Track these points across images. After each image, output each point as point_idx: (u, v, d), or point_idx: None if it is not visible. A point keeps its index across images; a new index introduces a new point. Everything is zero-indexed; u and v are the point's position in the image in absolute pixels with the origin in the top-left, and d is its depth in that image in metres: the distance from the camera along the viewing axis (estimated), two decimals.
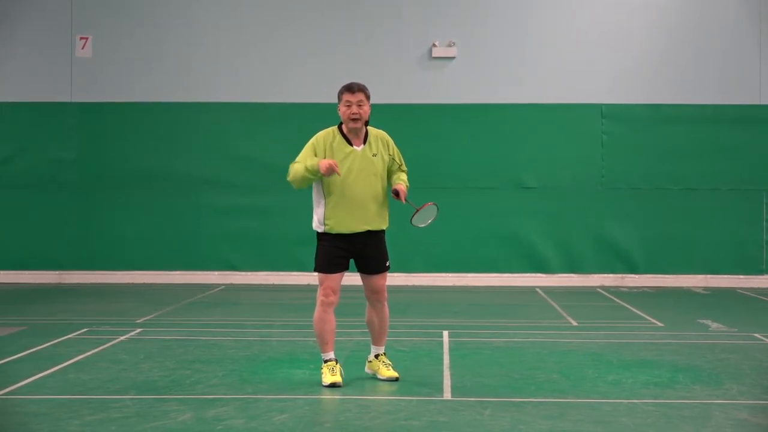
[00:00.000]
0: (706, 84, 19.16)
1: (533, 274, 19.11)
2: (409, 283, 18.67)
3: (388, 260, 9.13)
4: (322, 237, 8.93)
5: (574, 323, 13.52)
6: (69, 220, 19.27)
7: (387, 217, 9.09)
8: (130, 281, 19.06)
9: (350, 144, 8.95)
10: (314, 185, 9.00)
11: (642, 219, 19.13)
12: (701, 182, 19.10)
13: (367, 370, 9.33)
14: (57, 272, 19.25)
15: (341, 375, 8.88)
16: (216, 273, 19.21)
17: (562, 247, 19.15)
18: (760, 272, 19.04)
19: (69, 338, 11.54)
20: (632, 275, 19.10)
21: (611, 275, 19.11)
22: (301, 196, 18.96)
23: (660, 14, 19.24)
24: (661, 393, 8.60)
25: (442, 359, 10.25)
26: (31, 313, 14.22)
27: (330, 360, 8.89)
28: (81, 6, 19.37)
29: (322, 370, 8.90)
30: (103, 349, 10.82)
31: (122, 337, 11.66)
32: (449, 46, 19.25)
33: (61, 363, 9.86)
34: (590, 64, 19.22)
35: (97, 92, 19.36)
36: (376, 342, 9.24)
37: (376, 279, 9.02)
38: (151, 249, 19.26)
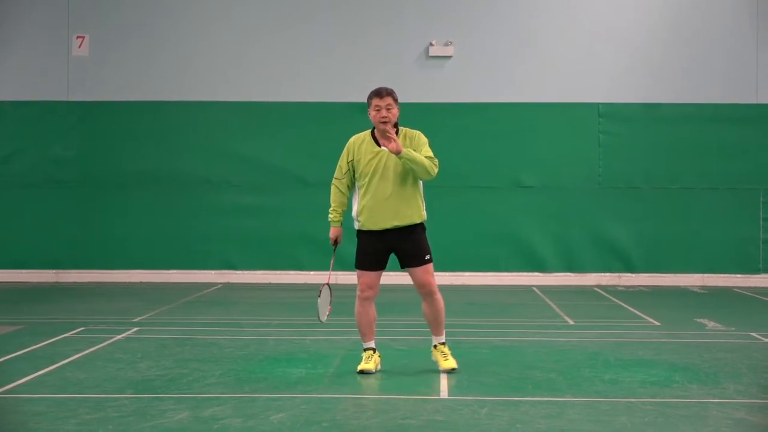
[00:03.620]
0: (703, 83, 19.16)
1: (531, 273, 19.11)
2: (407, 282, 18.62)
3: (427, 254, 9.45)
4: (360, 235, 9.45)
5: (572, 322, 13.53)
6: (66, 219, 19.26)
7: (420, 212, 9.43)
8: (128, 280, 19.06)
9: (378, 145, 9.33)
10: (353, 183, 9.51)
11: (639, 218, 19.13)
12: (698, 181, 19.11)
13: (433, 358, 9.68)
14: (54, 271, 19.24)
15: (375, 364, 9.38)
16: (213, 272, 19.21)
17: (560, 246, 19.16)
18: (758, 271, 19.05)
19: (66, 337, 11.54)
20: (630, 274, 19.11)
21: (609, 274, 19.11)
22: (298, 196, 19.05)
23: (657, 14, 19.24)
24: (658, 392, 8.61)
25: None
26: (28, 312, 14.22)
27: (368, 349, 9.45)
28: (78, 5, 19.36)
29: (362, 357, 9.47)
30: (101, 348, 10.82)
31: (119, 336, 11.66)
32: (446, 45, 19.24)
33: (59, 362, 9.86)
34: (588, 63, 19.22)
35: (94, 91, 19.35)
36: (433, 333, 9.65)
37: (418, 273, 9.38)
38: (148, 248, 19.26)
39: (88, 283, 18.87)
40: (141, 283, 18.96)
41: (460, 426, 7.36)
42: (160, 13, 19.46)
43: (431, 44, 19.22)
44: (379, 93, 9.33)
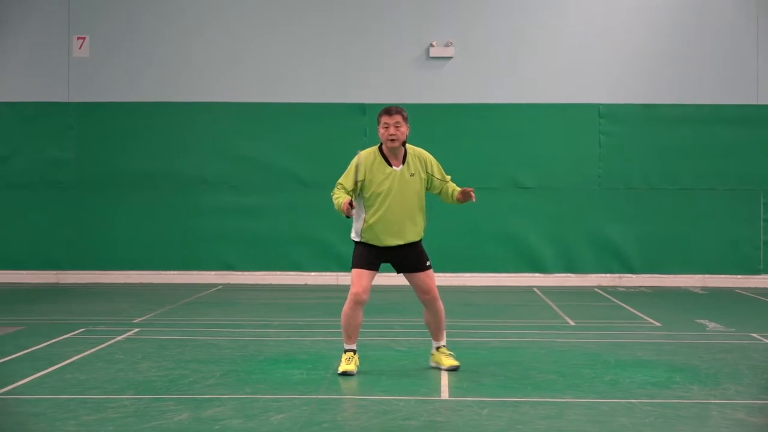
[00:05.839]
0: (703, 84, 19.16)
1: (530, 274, 19.11)
2: (407, 283, 18.59)
3: (428, 260, 9.59)
4: (358, 243, 9.47)
5: (572, 323, 13.53)
6: (66, 220, 19.26)
7: (422, 230, 9.59)
8: (128, 281, 19.06)
9: (389, 164, 9.34)
10: (358, 200, 9.39)
11: (639, 219, 19.13)
12: (699, 182, 19.11)
13: (431, 363, 9.78)
14: (54, 272, 19.24)
15: (356, 365, 9.35)
16: (213, 273, 19.21)
17: (560, 247, 19.15)
18: (758, 272, 19.05)
19: (66, 338, 11.54)
20: (630, 275, 19.11)
21: (609, 275, 19.11)
22: (297, 196, 19.06)
23: (657, 14, 19.24)
24: (658, 393, 8.60)
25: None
26: (28, 313, 14.21)
27: (349, 350, 9.41)
28: (78, 6, 19.36)
29: (341, 359, 9.43)
30: (101, 349, 10.82)
31: (119, 337, 11.66)
32: (447, 46, 19.24)
33: (59, 363, 9.85)
34: (588, 64, 19.22)
35: (94, 92, 19.35)
36: (435, 338, 9.75)
37: (419, 278, 9.52)
38: (148, 249, 19.25)
39: (88, 284, 18.87)
40: (141, 284, 18.96)
41: (460, 427, 7.35)
42: (160, 14, 19.46)
43: (431, 45, 19.22)
44: (388, 111, 9.32)
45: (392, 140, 9.24)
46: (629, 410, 7.90)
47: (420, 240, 9.57)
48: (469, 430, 7.26)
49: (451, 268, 18.98)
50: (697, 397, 8.48)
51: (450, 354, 9.69)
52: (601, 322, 13.81)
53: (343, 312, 9.36)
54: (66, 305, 15.39)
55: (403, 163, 9.36)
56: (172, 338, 11.73)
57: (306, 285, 18.49)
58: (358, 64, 19.23)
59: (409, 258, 9.48)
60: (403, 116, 9.29)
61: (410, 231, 9.42)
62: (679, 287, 18.78)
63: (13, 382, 8.83)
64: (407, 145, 9.43)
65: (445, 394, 8.56)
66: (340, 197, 9.15)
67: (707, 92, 19.15)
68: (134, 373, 9.36)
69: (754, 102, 19.07)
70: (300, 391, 8.60)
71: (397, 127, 9.24)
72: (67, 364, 9.82)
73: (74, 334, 11.84)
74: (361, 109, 18.76)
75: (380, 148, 9.41)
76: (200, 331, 12.34)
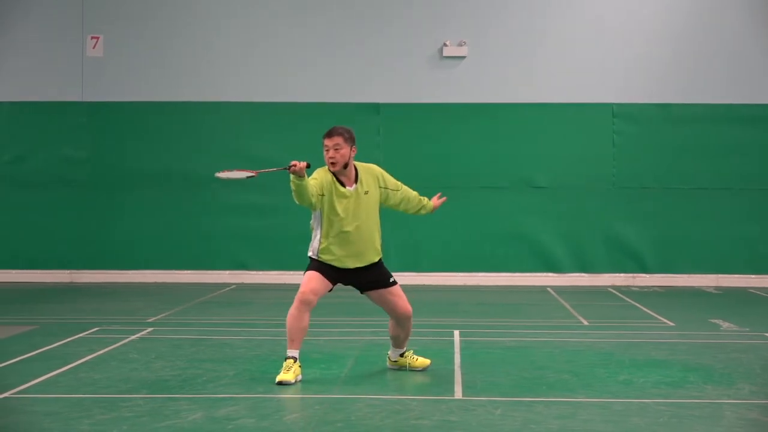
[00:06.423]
0: (717, 83, 19.12)
1: (544, 274, 19.09)
2: (420, 283, 18.63)
3: (391, 276, 9.33)
4: (316, 260, 9.23)
5: (585, 323, 13.51)
6: (80, 219, 19.31)
7: (379, 250, 9.29)
8: (142, 280, 19.09)
9: (342, 185, 9.09)
10: (312, 215, 9.21)
11: (653, 218, 19.09)
12: (712, 181, 19.06)
13: (390, 366, 9.62)
14: (68, 271, 19.29)
15: (295, 375, 8.86)
16: (227, 272, 19.23)
17: (573, 247, 19.13)
18: None
19: (80, 337, 11.57)
20: (643, 275, 19.07)
21: (622, 275, 19.08)
22: None
23: (671, 14, 19.20)
24: (672, 392, 8.59)
25: (452, 359, 10.25)
26: (42, 313, 14.25)
27: (290, 357, 8.94)
28: (92, 5, 19.41)
29: (282, 366, 8.97)
30: (115, 348, 10.84)
31: (133, 337, 11.68)
32: (460, 45, 19.24)
33: (73, 362, 9.88)
34: (601, 64, 19.20)
35: (108, 91, 19.40)
36: (399, 346, 9.58)
37: (387, 298, 9.25)
38: (162, 248, 19.29)
39: (102, 283, 18.90)
40: (154, 283, 18.99)
41: (473, 426, 7.35)
42: (174, 14, 19.50)
43: (445, 44, 19.21)
44: (329, 133, 9.04)
45: (332, 164, 8.99)
46: (643, 410, 7.89)
47: (380, 259, 9.31)
48: (483, 430, 7.25)
49: (464, 268, 18.99)
50: (711, 396, 8.46)
51: (416, 356, 9.62)
52: (615, 321, 13.79)
53: (288, 314, 9.00)
54: (80, 304, 15.42)
55: (356, 181, 9.13)
56: (185, 338, 11.75)
57: None
58: (372, 63, 19.23)
59: (370, 277, 9.22)
60: (344, 137, 8.98)
61: (367, 253, 9.15)
62: (692, 287, 18.74)
63: (28, 381, 8.86)
64: (357, 164, 9.19)
65: (458, 393, 8.55)
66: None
67: (721, 91, 19.11)
68: (148, 373, 9.38)
69: (767, 101, 19.01)
70: (313, 390, 8.61)
71: (337, 149, 8.96)
72: (81, 364, 9.84)
73: (88, 334, 11.87)
74: (375, 108, 18.76)
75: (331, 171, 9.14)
76: (214, 331, 12.36)
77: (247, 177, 9.19)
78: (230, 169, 9.38)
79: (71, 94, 19.40)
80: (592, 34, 19.24)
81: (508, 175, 19.12)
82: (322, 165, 9.16)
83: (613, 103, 19.13)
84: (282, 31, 19.42)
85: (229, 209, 19.24)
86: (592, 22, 19.26)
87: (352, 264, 9.13)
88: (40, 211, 19.33)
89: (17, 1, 19.44)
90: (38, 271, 19.27)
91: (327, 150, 9.02)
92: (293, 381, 8.83)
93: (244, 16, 19.45)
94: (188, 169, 19.31)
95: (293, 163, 8.65)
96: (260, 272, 19.22)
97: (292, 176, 8.70)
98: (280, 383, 8.79)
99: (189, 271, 19.25)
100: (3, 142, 19.44)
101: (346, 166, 9.05)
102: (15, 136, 19.44)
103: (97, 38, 19.40)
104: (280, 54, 19.41)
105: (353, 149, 9.09)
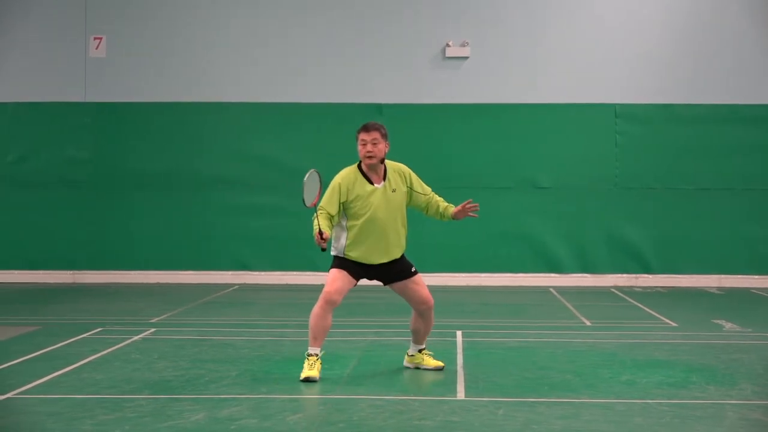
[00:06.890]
0: (719, 83, 19.11)
1: (547, 274, 19.08)
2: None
3: (413, 266, 9.43)
4: (341, 257, 9.28)
5: (588, 323, 13.51)
6: (83, 220, 19.32)
7: (404, 246, 9.42)
8: (144, 281, 19.10)
9: (370, 182, 9.21)
10: (340, 219, 9.26)
11: (656, 219, 19.08)
12: (715, 182, 19.05)
13: (407, 364, 9.71)
14: (71, 272, 19.30)
15: (319, 372, 9.02)
16: (230, 273, 19.24)
17: (576, 247, 19.12)
18: None
19: (83, 338, 11.58)
20: (646, 275, 19.07)
21: (625, 275, 19.07)
22: None
23: (673, 14, 19.19)
24: (674, 393, 8.59)
25: (455, 359, 10.25)
26: (45, 313, 14.26)
27: (313, 354, 9.07)
28: (95, 6, 19.42)
29: (304, 364, 9.08)
30: (117, 348, 10.85)
31: (136, 337, 11.68)
32: (463, 46, 19.24)
33: (75, 362, 9.89)
34: (604, 64, 19.19)
35: (110, 92, 19.40)
36: (419, 342, 9.65)
37: (410, 288, 9.34)
38: (165, 248, 19.30)
39: (105, 283, 18.91)
40: (157, 283, 19.00)
41: (476, 427, 7.35)
42: (177, 14, 19.50)
43: (448, 45, 19.21)
44: (366, 127, 9.19)
45: (369, 157, 9.12)
46: (645, 410, 7.89)
47: (403, 254, 9.43)
48: (485, 431, 7.26)
49: (467, 268, 19.00)
50: (714, 397, 8.46)
51: (431, 354, 9.71)
52: (618, 322, 13.79)
53: (312, 312, 9.13)
54: (82, 305, 15.43)
55: (384, 179, 9.25)
56: (188, 338, 11.76)
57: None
58: (375, 64, 19.23)
59: (394, 270, 9.33)
60: (381, 133, 9.15)
61: (393, 249, 9.27)
62: (695, 287, 18.73)
63: (30, 382, 8.86)
64: (386, 161, 9.30)
65: (460, 394, 8.55)
66: (321, 224, 8.92)
67: (723, 92, 19.10)
68: (151, 373, 9.38)
69: None
70: (316, 390, 8.62)
71: (375, 144, 9.11)
72: (84, 364, 9.85)
73: (91, 334, 11.88)
74: (378, 109, 18.76)
75: (359, 166, 9.31)
76: (217, 331, 12.36)
77: (307, 203, 9.15)
78: (320, 183, 9.26)
79: (74, 94, 19.41)
80: (595, 35, 19.23)
81: (510, 176, 19.11)
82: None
83: (616, 104, 19.12)
84: (284, 32, 19.42)
85: (231, 210, 19.24)
86: (595, 22, 19.25)
87: (377, 260, 9.23)
88: (43, 211, 19.34)
89: (20, 3, 19.44)
90: (41, 272, 19.28)
91: (364, 144, 9.14)
92: (318, 377, 8.96)
93: (246, 17, 19.46)
94: (191, 169, 19.31)
95: (320, 243, 8.85)
96: (263, 273, 19.23)
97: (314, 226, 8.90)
98: (306, 380, 8.91)
99: (191, 272, 19.25)
100: (6, 142, 19.45)
101: (382, 161, 9.21)
102: (18, 136, 19.45)
103: (100, 39, 19.41)
104: (282, 55, 19.41)
105: (387, 145, 9.23)
